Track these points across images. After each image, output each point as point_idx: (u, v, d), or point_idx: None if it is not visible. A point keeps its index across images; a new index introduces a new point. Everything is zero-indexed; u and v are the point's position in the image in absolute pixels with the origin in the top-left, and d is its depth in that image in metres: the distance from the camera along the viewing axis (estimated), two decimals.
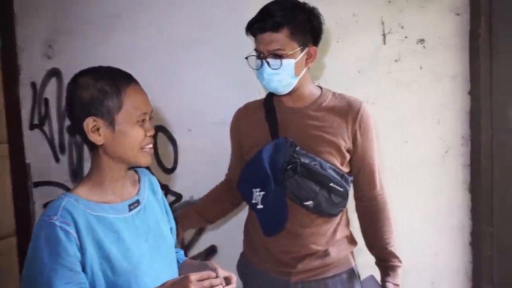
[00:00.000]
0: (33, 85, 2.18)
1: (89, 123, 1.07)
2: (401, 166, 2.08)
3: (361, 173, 1.57)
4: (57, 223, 1.00)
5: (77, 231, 1.02)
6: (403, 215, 1.95)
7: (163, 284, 1.04)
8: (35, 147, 2.20)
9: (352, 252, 1.62)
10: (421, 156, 2.10)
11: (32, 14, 2.16)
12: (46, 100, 2.18)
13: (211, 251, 2.10)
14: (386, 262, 1.58)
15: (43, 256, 0.98)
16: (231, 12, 2.03)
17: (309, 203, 1.46)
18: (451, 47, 2.07)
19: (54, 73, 2.16)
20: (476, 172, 2.07)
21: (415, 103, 2.09)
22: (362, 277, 1.61)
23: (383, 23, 2.06)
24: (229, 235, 2.06)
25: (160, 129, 2.05)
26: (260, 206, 1.47)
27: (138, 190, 1.20)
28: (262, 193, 1.46)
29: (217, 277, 1.05)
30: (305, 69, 1.49)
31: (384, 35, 2.07)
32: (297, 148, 1.46)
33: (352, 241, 1.62)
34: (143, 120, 1.11)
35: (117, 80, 1.09)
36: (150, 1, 2.08)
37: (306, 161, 1.45)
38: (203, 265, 1.17)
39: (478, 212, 2.06)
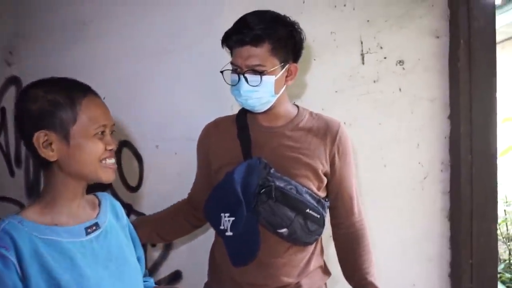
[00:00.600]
0: None
1: (39, 138, 0.95)
2: (379, 192, 1.99)
3: (339, 199, 1.45)
4: None
5: (19, 257, 0.88)
6: (380, 243, 1.82)
7: None
8: None
9: (325, 284, 1.50)
10: (399, 182, 2.01)
11: None
12: (3, 110, 1.99)
13: (176, 276, 1.92)
14: None
15: None
16: (202, 22, 1.91)
17: (284, 230, 1.32)
18: (431, 70, 2.00)
19: (13, 81, 1.98)
20: (455, 200, 1.98)
21: (394, 125, 2.00)
22: None
23: (361, 43, 1.98)
24: (196, 260, 1.86)
25: (125, 144, 1.89)
26: (229, 233, 1.31)
27: (98, 214, 1.08)
28: (231, 218, 1.31)
29: None
30: (284, 87, 1.37)
31: (362, 54, 1.98)
32: (272, 170, 1.33)
33: (326, 271, 1.50)
34: (102, 133, 1.00)
35: (71, 91, 0.99)
36: (116, 9, 1.93)
37: (281, 184, 1.32)
38: None
39: (458, 242, 1.97)
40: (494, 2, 1.95)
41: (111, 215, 1.12)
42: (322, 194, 1.41)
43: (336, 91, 1.97)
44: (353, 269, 1.47)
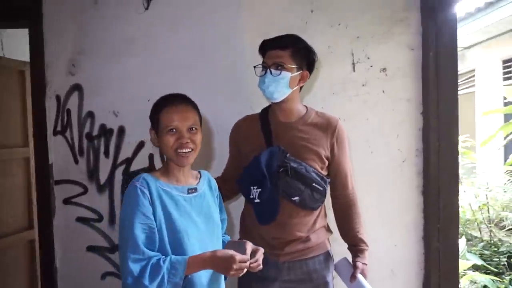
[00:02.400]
0: (58, 97, 2.29)
1: (151, 132, 1.42)
2: (367, 173, 2.26)
3: (337, 177, 1.78)
4: (138, 185, 1.30)
5: (150, 193, 1.31)
6: (367, 214, 2.10)
7: (213, 251, 1.29)
8: (58, 150, 2.31)
9: (328, 239, 1.82)
10: (383, 165, 2.28)
11: (58, 36, 2.28)
12: (69, 111, 2.30)
13: None
14: (356, 246, 1.79)
15: (130, 205, 1.30)
16: (225, 41, 2.23)
17: (296, 198, 1.67)
18: (408, 76, 2.27)
19: (76, 87, 2.29)
20: (427, 179, 2.25)
21: (378, 120, 2.27)
22: (336, 260, 1.82)
23: (352, 54, 2.27)
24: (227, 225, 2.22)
25: None
26: (257, 201, 1.67)
27: (198, 183, 1.46)
28: (259, 190, 1.66)
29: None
30: (296, 87, 1.71)
31: (353, 64, 2.27)
32: (288, 155, 1.67)
33: (328, 230, 1.83)
34: (172, 130, 1.35)
35: (160, 102, 1.39)
36: (155, 29, 2.26)
37: (295, 165, 1.66)
38: (241, 244, 1.42)
39: (428, 211, 2.24)
40: (456, 23, 2.22)
41: (206, 186, 1.50)
42: (325, 172, 1.75)
43: (332, 93, 2.28)
44: (347, 229, 1.81)
